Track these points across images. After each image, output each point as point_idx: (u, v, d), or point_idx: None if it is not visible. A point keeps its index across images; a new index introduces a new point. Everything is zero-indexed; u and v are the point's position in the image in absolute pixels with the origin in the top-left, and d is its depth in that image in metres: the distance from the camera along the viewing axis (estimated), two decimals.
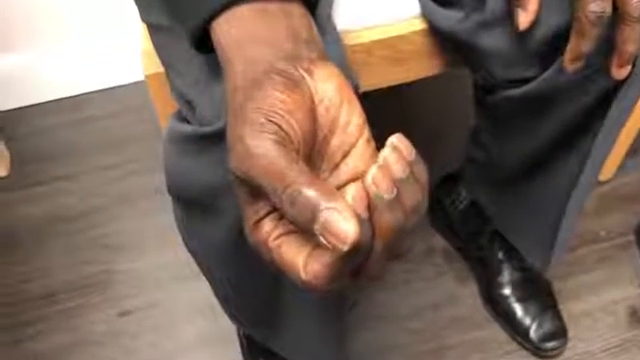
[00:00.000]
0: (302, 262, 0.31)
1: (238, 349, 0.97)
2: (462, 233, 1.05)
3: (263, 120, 0.31)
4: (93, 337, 1.02)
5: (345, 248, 0.28)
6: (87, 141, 1.28)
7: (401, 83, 0.73)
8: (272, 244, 0.32)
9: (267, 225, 0.32)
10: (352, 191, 0.30)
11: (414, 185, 0.31)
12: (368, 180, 0.30)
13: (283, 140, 0.31)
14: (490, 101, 0.69)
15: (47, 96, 1.35)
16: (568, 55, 0.52)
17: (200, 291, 0.93)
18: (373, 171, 0.30)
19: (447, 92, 1.29)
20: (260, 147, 0.31)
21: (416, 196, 0.31)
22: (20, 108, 1.34)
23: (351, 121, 0.35)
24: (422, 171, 0.32)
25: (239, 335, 0.96)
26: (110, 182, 1.21)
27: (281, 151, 0.30)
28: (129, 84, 1.37)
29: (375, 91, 0.70)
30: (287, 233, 0.32)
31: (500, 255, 0.99)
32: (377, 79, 0.70)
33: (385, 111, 0.94)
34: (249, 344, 0.93)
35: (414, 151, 0.31)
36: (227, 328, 0.96)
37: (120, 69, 1.34)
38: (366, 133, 0.35)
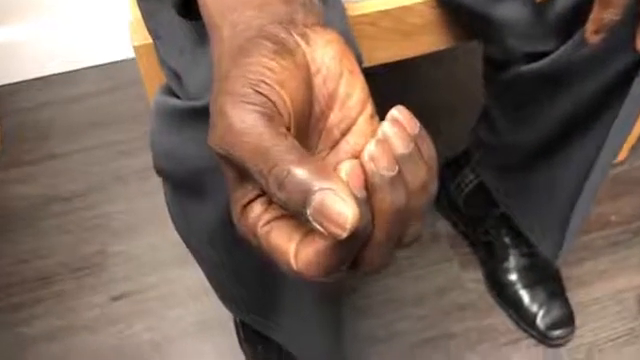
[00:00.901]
0: (293, 250, 0.27)
1: (235, 334, 0.94)
2: (468, 217, 1.02)
3: (248, 90, 0.27)
4: (87, 322, 1.00)
5: (344, 234, 0.24)
6: (80, 119, 1.26)
7: (406, 58, 0.69)
8: (261, 230, 0.28)
9: (256, 209, 0.29)
10: (346, 167, 0.26)
11: (418, 162, 0.28)
12: (365, 156, 0.26)
13: (270, 113, 0.27)
14: (503, 78, 0.66)
15: (39, 72, 1.32)
16: (591, 26, 0.48)
17: (197, 274, 0.90)
18: (371, 146, 0.26)
19: (456, 68, 1.25)
20: (243, 121, 0.27)
21: (421, 175, 0.28)
22: (11, 84, 1.31)
23: (352, 94, 0.31)
24: (428, 148, 0.29)
25: (235, 321, 0.94)
26: (104, 161, 1.19)
27: (268, 126, 0.27)
28: (124, 60, 1.33)
29: (379, 66, 0.66)
30: (278, 218, 0.28)
31: (507, 240, 0.97)
32: (382, 53, 0.67)
33: (389, 88, 0.91)
34: (245, 330, 0.91)
35: (418, 125, 0.28)
36: (224, 313, 0.93)
37: (115, 44, 1.31)
38: (369, 108, 0.32)
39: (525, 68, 0.61)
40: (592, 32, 0.48)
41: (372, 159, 0.26)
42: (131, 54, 1.35)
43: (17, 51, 1.27)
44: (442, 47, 0.69)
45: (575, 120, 0.64)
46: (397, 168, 0.26)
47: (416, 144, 0.27)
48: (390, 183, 0.26)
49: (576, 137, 0.66)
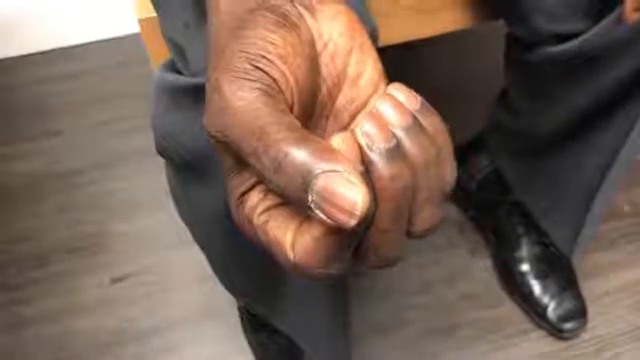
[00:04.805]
0: (290, 239, 0.25)
1: (238, 319, 0.92)
2: (479, 203, 1.00)
3: (247, 66, 0.25)
4: (85, 303, 0.98)
5: (352, 222, 0.22)
6: (81, 95, 1.23)
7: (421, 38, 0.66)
8: (257, 220, 0.26)
9: (253, 198, 0.26)
10: (338, 141, 0.24)
11: (420, 136, 0.25)
12: (357, 131, 0.24)
13: (271, 91, 0.25)
14: (528, 59, 0.63)
15: (41, 46, 1.29)
16: (630, 3, 0.45)
17: (199, 257, 0.89)
18: (363, 119, 0.24)
19: (472, 49, 1.22)
20: (240, 98, 0.24)
21: (426, 149, 0.25)
22: (11, 58, 1.29)
23: (363, 72, 0.29)
24: (434, 122, 0.26)
25: (239, 307, 0.92)
26: (105, 139, 1.17)
27: (266, 103, 0.24)
28: (128, 35, 1.30)
29: (391, 47, 0.63)
30: (276, 206, 0.26)
31: (519, 229, 0.94)
32: (401, 32, 0.64)
33: (401, 70, 0.88)
34: (249, 317, 0.89)
35: (420, 100, 0.26)
36: (227, 298, 0.92)
37: (120, 18, 1.27)
38: (382, 89, 0.29)
39: (553, 49, 0.58)
40: (631, 10, 0.45)
41: (365, 133, 0.24)
42: (135, 29, 1.33)
43: (18, 24, 1.24)
44: (463, 27, 0.66)
45: (602, 104, 0.61)
46: (395, 141, 0.24)
47: (417, 119, 0.25)
48: (387, 156, 0.24)
49: (601, 122, 0.63)
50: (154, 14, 0.55)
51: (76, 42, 1.30)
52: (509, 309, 0.96)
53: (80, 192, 1.10)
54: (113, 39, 1.31)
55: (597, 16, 0.52)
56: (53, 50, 1.30)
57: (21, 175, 1.12)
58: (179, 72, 0.46)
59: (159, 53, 0.59)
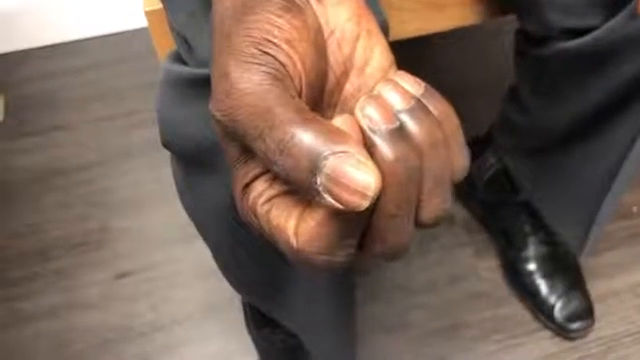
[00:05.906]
0: (293, 226, 0.24)
1: (242, 316, 0.91)
2: (486, 202, 0.99)
3: (254, 50, 0.24)
4: (87, 299, 0.97)
5: (364, 203, 0.21)
6: (87, 89, 1.23)
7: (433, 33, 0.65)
8: (261, 209, 0.25)
9: (257, 188, 0.26)
10: (339, 121, 0.24)
11: (425, 119, 0.24)
12: (358, 112, 0.24)
13: (279, 75, 0.24)
14: (539, 55, 0.62)
15: (47, 40, 1.29)
16: None
17: (203, 253, 0.88)
18: (363, 101, 0.24)
19: (480, 43, 1.21)
20: (247, 81, 0.24)
21: (432, 132, 0.24)
22: (17, 51, 1.29)
23: (371, 59, 0.28)
24: (440, 104, 0.25)
25: (243, 303, 0.91)
26: (109, 134, 1.17)
27: (274, 86, 0.24)
28: (133, 30, 1.30)
29: (401, 41, 0.62)
30: (280, 194, 0.25)
31: (527, 228, 0.93)
32: (412, 27, 0.64)
33: (411, 64, 0.87)
34: (252, 313, 0.88)
35: (425, 86, 0.25)
36: (231, 294, 0.91)
37: (125, 13, 1.27)
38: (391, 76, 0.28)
39: (565, 45, 0.57)
40: None
41: (365, 115, 0.24)
42: (140, 24, 1.33)
43: (22, 18, 1.24)
44: (474, 22, 0.65)
45: (615, 100, 0.60)
46: (397, 123, 0.24)
47: (421, 102, 0.25)
48: (390, 138, 0.23)
49: (614, 118, 0.62)
50: (161, 6, 0.55)
51: (81, 36, 1.30)
52: (515, 309, 0.95)
53: (83, 188, 1.09)
54: (117, 33, 1.31)
55: (613, 10, 0.52)
56: (57, 44, 1.30)
57: (24, 170, 1.12)
58: (185, 63, 0.46)
59: (166, 46, 0.58)
